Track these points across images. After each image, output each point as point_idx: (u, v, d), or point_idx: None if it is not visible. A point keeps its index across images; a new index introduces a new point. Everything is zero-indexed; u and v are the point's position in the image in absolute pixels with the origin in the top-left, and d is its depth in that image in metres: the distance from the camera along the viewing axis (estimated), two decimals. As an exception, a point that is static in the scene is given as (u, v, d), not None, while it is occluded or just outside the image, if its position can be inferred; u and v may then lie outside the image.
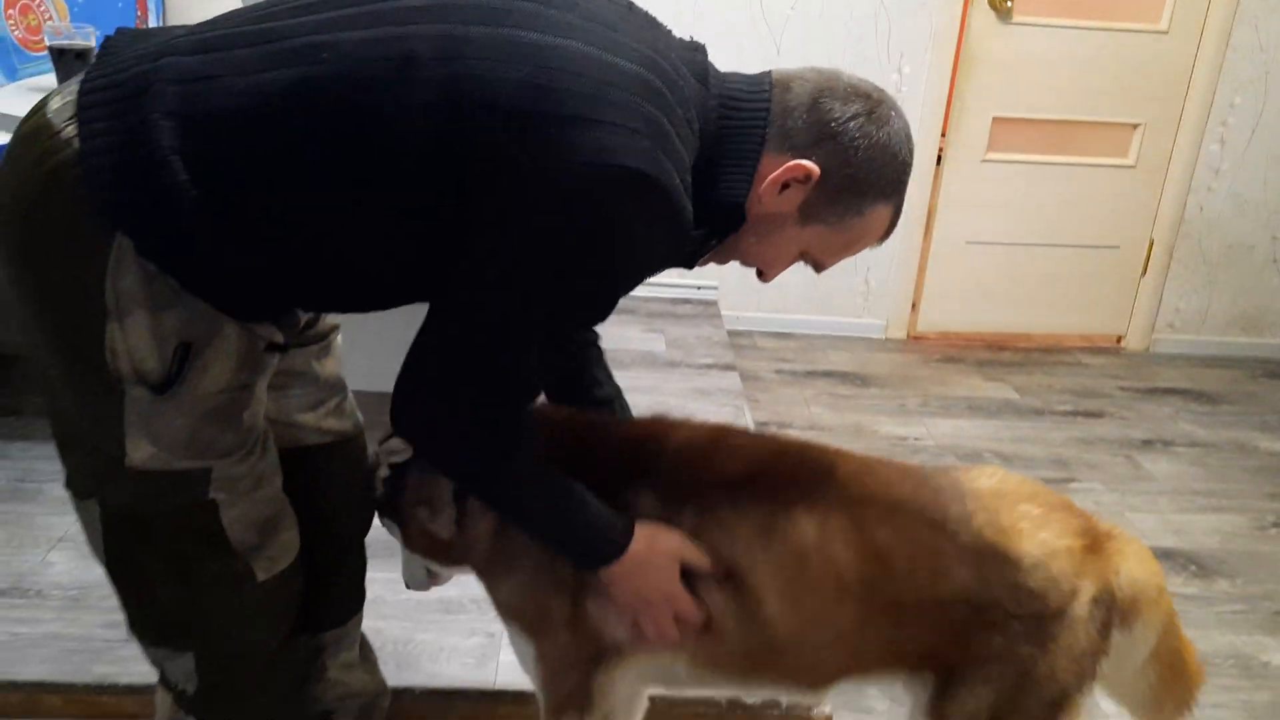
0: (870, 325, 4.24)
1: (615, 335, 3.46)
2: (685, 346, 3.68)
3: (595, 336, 1.64)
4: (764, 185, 1.26)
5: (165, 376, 1.17)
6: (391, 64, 1.11)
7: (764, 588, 1.38)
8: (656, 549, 1.35)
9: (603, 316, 1.28)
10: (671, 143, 1.17)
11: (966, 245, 4.15)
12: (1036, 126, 4.05)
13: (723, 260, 1.38)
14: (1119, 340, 4.35)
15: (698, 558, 1.37)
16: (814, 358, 4.02)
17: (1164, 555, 2.75)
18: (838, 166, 1.25)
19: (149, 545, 1.28)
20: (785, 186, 1.26)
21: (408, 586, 1.61)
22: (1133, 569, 1.44)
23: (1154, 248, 4.19)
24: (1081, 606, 1.39)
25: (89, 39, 2.57)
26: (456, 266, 1.16)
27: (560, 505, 1.33)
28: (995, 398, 3.78)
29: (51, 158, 1.12)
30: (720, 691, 1.61)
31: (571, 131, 1.10)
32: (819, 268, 1.37)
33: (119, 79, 1.14)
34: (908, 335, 4.28)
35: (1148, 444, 3.46)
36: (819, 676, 1.45)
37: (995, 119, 4.00)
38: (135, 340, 1.16)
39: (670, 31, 1.31)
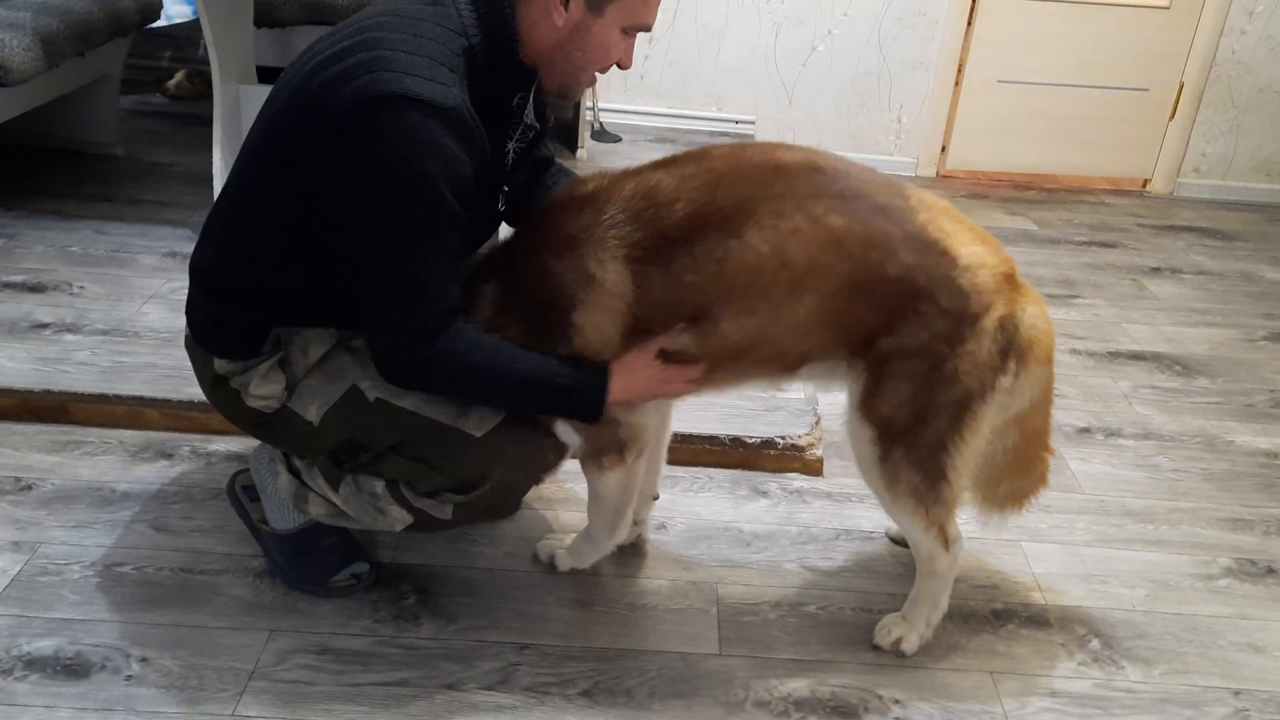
0: (901, 163, 4.39)
1: (651, 150, 3.62)
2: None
3: (553, 162, 1.85)
4: (548, 15, 1.48)
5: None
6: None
7: (723, 314, 1.57)
8: (627, 364, 1.60)
9: (458, 222, 1.49)
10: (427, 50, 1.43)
11: (998, 84, 4.26)
12: (1073, -34, 4.11)
13: (570, 95, 1.60)
14: (1144, 184, 4.46)
15: (660, 341, 1.60)
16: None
17: (1152, 357, 2.96)
18: None
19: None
20: (564, 3, 1.48)
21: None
22: (1036, 316, 1.60)
23: (1183, 91, 4.27)
24: (991, 321, 1.56)
25: None
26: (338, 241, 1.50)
27: (531, 382, 1.57)
28: (1013, 228, 3.95)
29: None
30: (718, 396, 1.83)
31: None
32: (645, 28, 1.53)
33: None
34: (937, 174, 4.43)
35: (1155, 271, 3.63)
36: (787, 362, 1.65)
37: (1032, -43, 4.07)
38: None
39: None
